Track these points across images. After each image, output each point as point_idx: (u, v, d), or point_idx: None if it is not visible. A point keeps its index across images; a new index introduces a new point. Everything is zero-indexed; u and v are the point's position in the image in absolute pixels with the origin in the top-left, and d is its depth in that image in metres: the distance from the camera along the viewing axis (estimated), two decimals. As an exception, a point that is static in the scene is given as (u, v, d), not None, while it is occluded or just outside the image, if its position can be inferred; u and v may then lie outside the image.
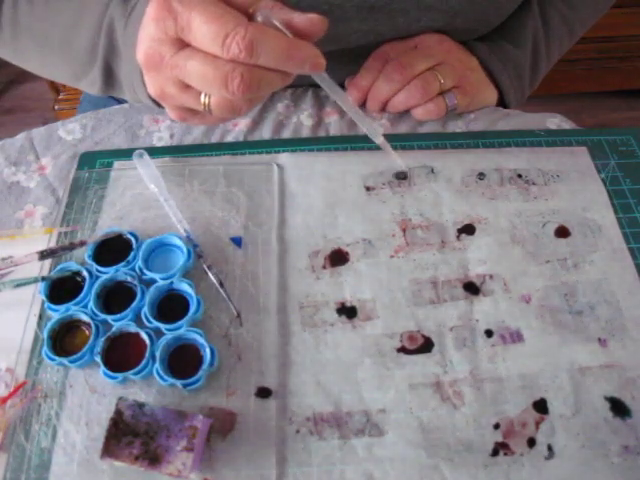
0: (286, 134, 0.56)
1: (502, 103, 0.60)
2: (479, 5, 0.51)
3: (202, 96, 0.37)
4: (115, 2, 0.42)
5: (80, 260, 0.47)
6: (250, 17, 0.35)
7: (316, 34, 0.36)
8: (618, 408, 0.40)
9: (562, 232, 0.48)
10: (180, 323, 0.42)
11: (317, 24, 0.36)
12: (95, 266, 0.45)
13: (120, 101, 0.60)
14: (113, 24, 0.42)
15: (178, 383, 0.40)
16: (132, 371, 0.40)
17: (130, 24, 0.41)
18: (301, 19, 0.35)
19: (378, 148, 0.50)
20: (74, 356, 0.41)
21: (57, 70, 0.48)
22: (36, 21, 0.44)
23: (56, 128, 0.57)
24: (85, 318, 0.43)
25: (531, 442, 0.39)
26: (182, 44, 0.34)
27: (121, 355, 0.41)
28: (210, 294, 0.45)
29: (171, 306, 0.44)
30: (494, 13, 0.53)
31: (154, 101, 0.44)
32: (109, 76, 0.45)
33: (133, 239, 0.47)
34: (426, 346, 0.43)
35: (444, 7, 0.50)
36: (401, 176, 0.51)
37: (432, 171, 0.52)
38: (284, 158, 0.53)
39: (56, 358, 0.41)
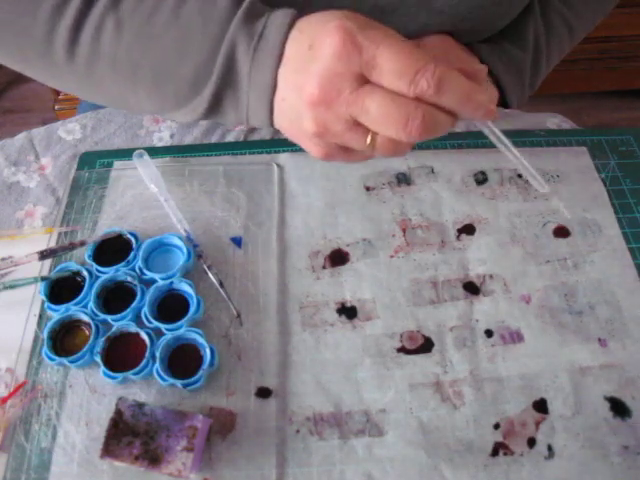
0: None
1: (503, 103, 0.60)
2: (487, 10, 0.51)
3: (369, 138, 0.35)
4: (234, 29, 0.37)
5: (80, 260, 0.47)
6: None
7: (479, 81, 0.36)
8: (618, 408, 0.40)
9: (562, 232, 0.48)
10: (180, 323, 0.42)
11: (481, 71, 0.37)
12: (95, 266, 0.45)
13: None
14: (234, 52, 0.37)
15: (178, 383, 0.40)
16: (132, 371, 0.40)
17: (260, 53, 0.37)
18: (473, 67, 0.36)
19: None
20: (74, 356, 0.41)
21: (141, 102, 0.42)
22: (126, 52, 0.39)
23: (56, 128, 0.57)
24: (85, 318, 0.43)
25: (531, 442, 0.39)
26: (364, 80, 0.33)
27: (121, 355, 0.41)
28: (210, 294, 0.45)
29: (171, 306, 0.44)
30: (500, 18, 0.53)
31: (271, 125, 0.41)
32: (217, 103, 0.40)
33: (133, 239, 0.47)
34: (426, 346, 0.43)
35: (453, 12, 0.50)
36: (401, 177, 0.51)
37: (432, 171, 0.52)
38: (284, 158, 0.53)
39: (56, 358, 0.41)
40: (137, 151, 0.51)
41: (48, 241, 0.48)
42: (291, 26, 0.37)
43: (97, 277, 0.45)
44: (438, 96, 0.32)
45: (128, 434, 0.35)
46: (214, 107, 0.40)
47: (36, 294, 0.45)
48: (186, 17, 0.38)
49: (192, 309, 0.43)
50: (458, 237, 0.48)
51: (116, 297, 0.44)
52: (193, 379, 0.40)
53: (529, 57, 0.59)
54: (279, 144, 0.54)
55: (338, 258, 0.47)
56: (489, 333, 0.43)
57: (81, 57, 0.40)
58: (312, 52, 0.35)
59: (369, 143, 0.35)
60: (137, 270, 0.45)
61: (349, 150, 0.38)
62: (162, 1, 0.39)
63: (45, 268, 0.47)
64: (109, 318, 0.42)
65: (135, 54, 0.39)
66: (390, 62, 0.32)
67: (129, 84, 0.41)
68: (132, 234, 0.47)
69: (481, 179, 0.51)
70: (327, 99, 0.34)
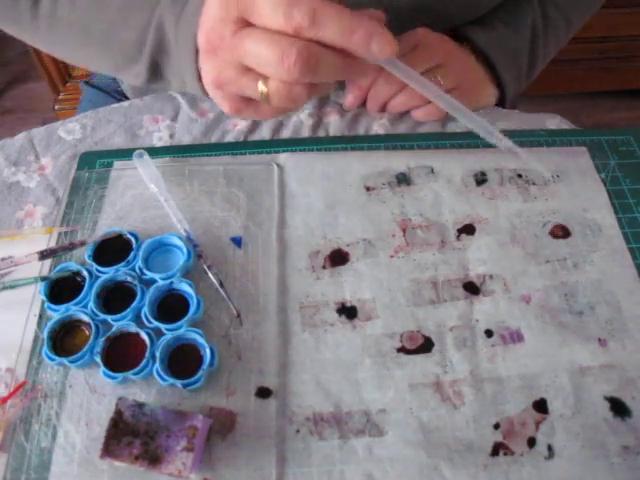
0: (286, 134, 0.56)
1: (500, 93, 0.60)
2: None
3: (260, 83, 0.35)
4: (164, 2, 0.42)
5: (80, 260, 0.47)
6: None
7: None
8: (618, 408, 0.40)
9: (562, 232, 0.48)
10: (180, 323, 0.42)
11: (375, 17, 0.35)
12: (95, 266, 0.45)
13: (120, 100, 0.60)
14: (163, 22, 0.42)
15: (178, 383, 0.40)
16: (132, 371, 0.40)
17: (183, 20, 0.41)
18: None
19: (378, 148, 0.50)
20: (74, 356, 0.41)
21: (94, 62, 0.49)
22: (77, 16, 0.45)
23: (56, 128, 0.57)
24: (85, 318, 0.43)
25: (531, 442, 0.39)
26: (244, 24, 0.33)
27: (121, 355, 0.41)
28: (210, 294, 0.45)
29: (171, 306, 0.44)
30: None
31: (204, 92, 0.44)
32: (155, 71, 0.45)
33: (133, 239, 0.47)
34: (426, 346, 0.43)
35: None
36: (401, 177, 0.51)
37: (432, 171, 0.52)
38: (284, 158, 0.53)
39: (56, 358, 0.41)
40: (137, 151, 0.51)
41: (48, 241, 0.48)
42: None
43: (97, 277, 0.45)
44: (315, 29, 0.31)
45: (128, 434, 0.35)
46: (154, 72, 0.44)
47: (36, 294, 0.45)
48: None
49: (192, 309, 0.43)
50: (458, 237, 0.48)
51: (116, 297, 0.44)
52: (193, 379, 0.40)
53: (526, 45, 0.59)
54: (279, 144, 0.54)
55: (338, 258, 0.47)
56: (489, 333, 0.43)
57: (42, 19, 0.46)
58: (205, 3, 0.36)
59: (262, 90, 0.35)
60: (137, 270, 0.45)
61: (253, 102, 0.38)
62: None
63: (45, 268, 0.47)
64: (109, 318, 0.42)
65: (86, 19, 0.45)
66: (265, 2, 0.31)
67: (83, 45, 0.47)
68: (132, 234, 0.47)
69: (481, 179, 0.51)
70: (213, 46, 0.34)
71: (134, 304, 0.43)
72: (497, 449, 0.39)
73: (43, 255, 0.45)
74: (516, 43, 0.58)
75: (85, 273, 0.45)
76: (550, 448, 0.39)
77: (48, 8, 0.46)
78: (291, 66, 0.32)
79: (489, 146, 0.53)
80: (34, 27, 0.47)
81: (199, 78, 0.41)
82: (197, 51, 0.39)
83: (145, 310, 0.43)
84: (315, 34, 0.32)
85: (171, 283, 0.44)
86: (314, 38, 0.32)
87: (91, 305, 0.43)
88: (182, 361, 0.41)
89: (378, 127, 0.56)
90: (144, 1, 0.43)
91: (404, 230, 0.48)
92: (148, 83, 0.47)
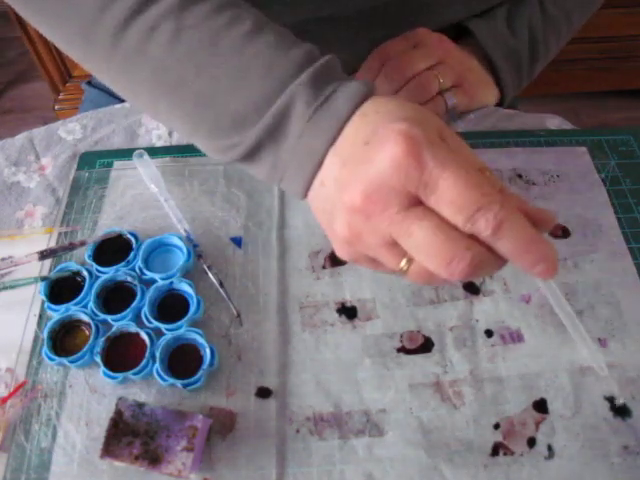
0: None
1: (499, 89, 0.60)
2: None
3: (404, 261, 0.31)
4: (299, 84, 0.34)
5: (80, 260, 0.47)
6: None
7: (544, 229, 0.32)
8: (618, 408, 0.40)
9: (562, 232, 0.48)
10: (180, 323, 0.42)
11: (549, 221, 0.32)
12: (95, 266, 0.45)
13: (123, 101, 0.60)
14: (292, 108, 0.34)
15: (178, 383, 0.40)
16: (132, 371, 0.40)
17: (318, 117, 0.33)
18: (535, 210, 0.31)
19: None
20: (74, 356, 0.41)
21: (172, 118, 0.39)
22: (176, 65, 0.36)
23: (56, 128, 0.57)
24: (85, 318, 0.43)
25: (531, 442, 0.39)
26: (416, 201, 0.30)
27: (121, 355, 0.41)
28: (210, 294, 0.45)
29: (171, 306, 0.44)
30: None
31: (302, 198, 0.37)
32: (253, 152, 0.36)
33: (133, 239, 0.47)
34: (426, 346, 0.43)
35: None
36: None
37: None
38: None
39: (56, 358, 0.41)
40: (137, 151, 0.51)
41: (48, 241, 0.48)
42: (360, 103, 0.33)
43: (97, 277, 0.45)
44: (494, 240, 0.29)
45: (128, 434, 0.35)
46: (251, 154, 0.36)
47: (36, 294, 0.45)
48: (251, 54, 0.35)
49: (192, 309, 0.43)
50: (458, 237, 0.48)
51: (116, 297, 0.44)
52: (193, 379, 0.40)
53: (526, 46, 0.59)
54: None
55: (338, 258, 0.47)
56: (489, 333, 0.43)
57: (124, 50, 0.37)
58: (367, 150, 0.31)
59: (403, 267, 0.32)
60: (137, 270, 0.45)
61: (378, 263, 0.34)
62: (235, 25, 0.36)
63: (45, 268, 0.47)
64: (109, 318, 0.42)
65: (185, 69, 0.36)
66: (452, 191, 0.28)
67: (167, 96, 0.38)
68: (132, 234, 0.47)
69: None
70: (369, 210, 0.30)
71: (134, 304, 0.43)
72: (497, 449, 0.39)
73: (43, 255, 0.45)
74: (516, 43, 0.58)
75: (85, 273, 0.45)
76: (550, 448, 0.39)
77: (137, 39, 0.36)
78: (457, 271, 0.29)
79: (489, 146, 0.54)
80: (108, 56, 0.38)
81: (305, 191, 0.35)
82: (319, 165, 0.34)
83: (145, 310, 0.43)
84: (491, 244, 0.29)
85: (171, 283, 0.44)
86: (488, 245, 0.29)
87: (91, 305, 0.43)
88: (182, 361, 0.41)
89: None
90: (268, 74, 0.35)
91: (404, 230, 0.48)
92: (238, 161, 0.37)
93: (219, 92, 0.36)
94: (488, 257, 0.29)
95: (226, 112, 0.36)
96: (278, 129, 0.35)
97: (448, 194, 0.28)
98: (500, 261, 0.30)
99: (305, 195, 0.36)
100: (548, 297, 0.37)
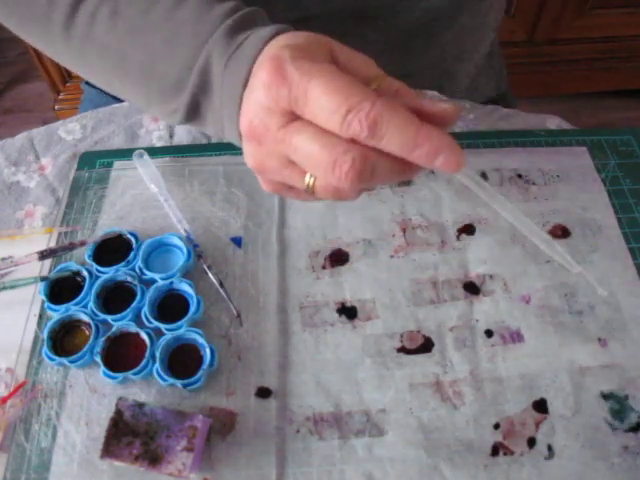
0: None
1: None
2: None
3: (307, 176, 0.32)
4: (215, 39, 0.36)
5: (80, 260, 0.47)
6: None
7: (447, 126, 0.31)
8: (618, 408, 0.40)
9: (562, 232, 0.48)
10: (180, 323, 0.42)
11: (451, 114, 0.30)
12: (95, 266, 0.45)
13: (122, 100, 0.60)
14: (210, 62, 0.36)
15: (178, 383, 0.40)
16: (132, 371, 0.40)
17: (233, 64, 0.35)
18: (433, 107, 0.30)
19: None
20: (74, 356, 0.41)
21: (127, 92, 0.43)
22: (115, 39, 0.39)
23: (56, 128, 0.57)
24: (85, 318, 0.43)
25: (531, 442, 0.39)
26: (293, 117, 0.30)
27: (121, 355, 0.41)
28: (210, 294, 0.45)
29: (171, 306, 0.44)
30: None
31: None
32: (194, 111, 0.39)
33: (133, 239, 0.47)
34: (426, 346, 0.43)
35: None
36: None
37: (432, 171, 0.52)
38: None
39: (56, 358, 0.41)
40: (137, 151, 0.51)
41: (48, 241, 0.48)
42: (267, 43, 0.34)
43: (97, 277, 0.45)
44: (376, 141, 0.28)
45: (128, 434, 0.35)
46: (192, 113, 0.39)
47: (36, 294, 0.45)
48: (180, 18, 0.38)
49: (192, 309, 0.43)
50: (458, 237, 0.48)
51: (116, 297, 0.44)
52: (193, 379, 0.40)
53: None
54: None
55: (338, 258, 0.47)
56: (489, 333, 0.43)
57: (75, 38, 0.41)
58: (251, 80, 0.33)
59: (308, 184, 0.32)
60: (137, 270, 0.45)
61: (292, 188, 0.35)
62: (158, 1, 0.38)
63: (45, 268, 0.47)
64: (109, 318, 0.42)
65: (126, 46, 0.39)
66: (322, 98, 0.28)
67: (117, 72, 0.41)
68: (132, 234, 0.47)
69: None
70: (256, 135, 0.31)
71: (134, 304, 0.43)
72: (497, 449, 0.39)
73: (43, 255, 0.45)
74: None
75: (85, 273, 0.45)
76: (550, 448, 0.39)
77: (85, 24, 0.40)
78: (342, 175, 0.29)
79: (489, 146, 0.54)
80: (65, 43, 0.42)
81: (240, 134, 0.36)
82: (240, 107, 0.35)
83: (145, 310, 0.43)
84: (374, 144, 0.28)
85: (171, 283, 0.44)
86: (372, 146, 0.29)
87: (91, 305, 0.43)
88: (182, 361, 0.41)
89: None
90: (194, 35, 0.37)
91: (404, 230, 0.48)
92: (184, 123, 0.40)
93: (157, 60, 0.39)
94: (378, 159, 0.29)
95: (166, 78, 0.39)
96: (206, 85, 0.37)
97: (318, 102, 0.28)
98: (398, 163, 0.29)
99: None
100: (479, 193, 0.34)
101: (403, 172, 0.30)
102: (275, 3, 0.50)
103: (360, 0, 0.54)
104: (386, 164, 0.29)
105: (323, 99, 0.28)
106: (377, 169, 0.29)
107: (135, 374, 0.40)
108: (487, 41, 0.70)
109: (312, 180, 0.32)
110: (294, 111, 0.30)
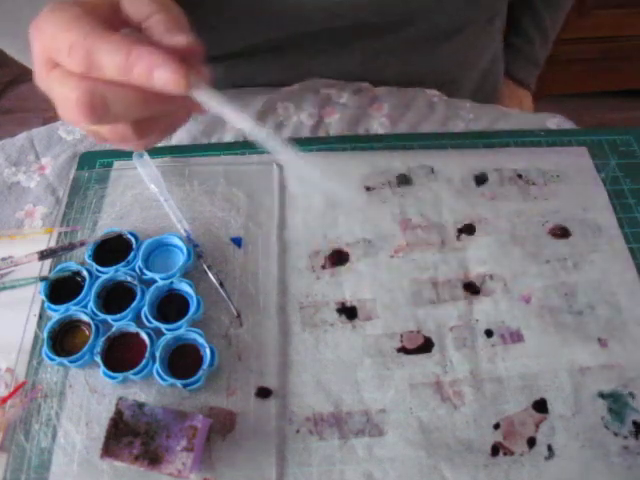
0: (286, 134, 0.56)
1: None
2: None
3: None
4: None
5: (80, 260, 0.47)
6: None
7: (195, 59, 0.32)
8: (617, 408, 0.40)
9: (562, 232, 0.48)
10: (180, 323, 0.42)
11: (183, 44, 0.31)
12: (95, 266, 0.45)
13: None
14: None
15: (178, 383, 0.40)
16: (132, 371, 0.40)
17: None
18: (170, 41, 0.31)
19: (378, 148, 0.50)
20: (74, 356, 0.41)
21: None
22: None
23: (56, 128, 0.57)
24: (85, 318, 0.43)
25: (531, 442, 0.39)
26: (55, 64, 0.32)
27: (121, 355, 0.41)
28: (210, 294, 0.45)
29: (171, 306, 0.44)
30: None
31: None
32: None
33: (133, 239, 0.47)
34: (426, 346, 0.43)
35: None
36: (401, 177, 0.51)
37: (432, 171, 0.52)
38: (284, 158, 0.53)
39: (56, 358, 0.41)
40: (137, 151, 0.51)
41: (48, 241, 0.48)
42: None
43: (97, 277, 0.45)
44: (95, 72, 0.30)
45: (128, 434, 0.35)
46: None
47: (36, 294, 0.45)
48: None
49: (192, 309, 0.43)
50: (458, 237, 0.48)
51: (116, 297, 0.44)
52: (193, 379, 0.40)
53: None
54: (279, 144, 0.54)
55: (338, 258, 0.47)
56: (489, 333, 0.43)
57: None
58: None
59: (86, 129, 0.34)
60: (137, 270, 0.45)
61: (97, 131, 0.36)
62: None
63: (45, 268, 0.47)
64: (109, 318, 0.42)
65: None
66: (53, 41, 0.30)
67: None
68: (132, 234, 0.47)
69: (481, 179, 0.51)
70: (38, 78, 0.33)
71: (134, 304, 0.43)
72: (497, 449, 0.39)
73: (43, 255, 0.45)
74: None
75: (85, 273, 0.45)
76: (550, 448, 0.39)
77: None
78: (75, 112, 0.30)
79: (489, 146, 0.54)
80: None
81: None
82: None
83: (145, 310, 0.43)
84: (99, 75, 0.30)
85: (171, 283, 0.44)
86: (100, 78, 0.30)
87: (91, 305, 0.43)
88: (182, 361, 0.41)
89: (378, 127, 0.56)
90: None
91: (404, 230, 0.48)
92: None
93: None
94: (107, 90, 0.30)
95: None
96: None
97: (58, 51, 0.30)
98: (140, 92, 0.30)
99: None
100: (210, 106, 0.32)
101: (147, 101, 0.31)
102: (283, 18, 0.51)
103: (362, 17, 0.54)
104: (119, 93, 0.30)
105: (53, 41, 0.30)
106: (111, 99, 0.30)
107: (135, 374, 0.40)
108: (492, 48, 0.70)
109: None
110: (54, 60, 0.31)
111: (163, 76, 0.29)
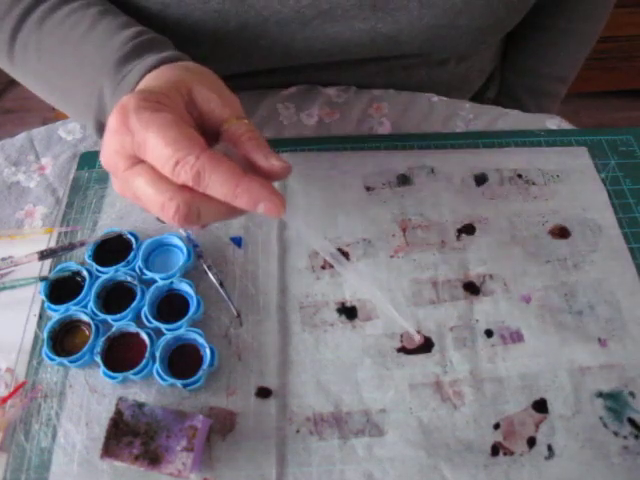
0: (286, 134, 0.56)
1: None
2: (483, 1, 0.50)
3: None
4: (109, 67, 0.41)
5: (80, 260, 0.47)
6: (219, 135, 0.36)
7: (278, 179, 0.36)
8: (617, 408, 0.40)
9: (562, 232, 0.48)
10: (180, 323, 0.42)
11: (279, 172, 0.35)
12: (95, 266, 0.45)
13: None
14: (103, 92, 0.41)
15: (178, 383, 0.40)
16: (132, 371, 0.40)
17: (117, 94, 0.40)
18: (263, 163, 0.34)
19: (378, 148, 0.50)
20: (74, 356, 0.41)
21: (63, 109, 0.48)
22: (42, 68, 0.45)
23: (56, 128, 0.57)
24: (85, 318, 0.43)
25: (531, 442, 0.39)
26: (137, 160, 0.34)
27: (121, 355, 0.41)
28: (210, 294, 0.45)
29: (171, 306, 0.44)
30: (502, 10, 0.53)
31: None
32: (102, 130, 0.43)
33: (133, 239, 0.47)
34: (426, 346, 0.43)
35: (447, 5, 0.50)
36: (401, 177, 0.51)
37: (432, 171, 0.52)
38: (285, 158, 0.53)
39: (56, 358, 0.41)
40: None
41: (48, 241, 0.48)
42: (143, 77, 0.38)
43: (97, 277, 0.45)
44: (203, 188, 0.32)
45: (128, 434, 0.35)
46: (102, 132, 0.41)
47: (36, 294, 0.45)
48: (89, 44, 0.42)
49: (192, 309, 0.43)
50: (458, 237, 0.48)
51: (116, 297, 0.44)
52: (193, 379, 0.40)
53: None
54: (279, 144, 0.54)
55: (338, 258, 0.47)
56: (489, 333, 0.43)
57: (17, 65, 0.47)
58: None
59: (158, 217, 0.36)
60: (137, 270, 0.45)
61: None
62: (73, 30, 0.43)
63: (45, 268, 0.47)
64: (109, 318, 0.42)
65: (50, 71, 0.45)
66: (155, 148, 0.32)
67: (47, 94, 0.48)
68: (132, 234, 0.47)
69: (481, 179, 0.51)
70: (110, 170, 0.35)
71: (134, 304, 0.43)
72: (497, 449, 0.39)
73: (43, 255, 0.45)
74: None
75: (85, 273, 0.45)
76: (550, 448, 0.39)
77: (21, 54, 0.46)
78: (170, 217, 0.33)
79: (489, 146, 0.54)
80: (12, 69, 0.48)
81: None
82: None
83: (145, 310, 0.43)
84: (202, 192, 0.32)
85: (171, 283, 0.44)
86: (201, 194, 0.33)
87: (91, 305, 0.43)
88: (182, 361, 0.41)
89: (378, 127, 0.56)
90: (93, 65, 0.42)
91: (404, 230, 0.48)
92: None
93: (71, 85, 0.44)
94: (203, 203, 0.33)
95: (79, 101, 0.44)
96: (103, 110, 0.42)
97: (154, 152, 0.32)
98: (226, 206, 0.33)
99: None
100: (307, 239, 0.38)
101: (233, 212, 0.34)
102: (273, 55, 0.54)
103: (355, 54, 0.55)
104: (212, 206, 0.33)
105: (157, 150, 0.32)
106: (204, 211, 0.33)
107: (135, 374, 0.40)
108: (490, 54, 0.70)
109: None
110: (138, 156, 0.33)
111: (266, 207, 0.32)
